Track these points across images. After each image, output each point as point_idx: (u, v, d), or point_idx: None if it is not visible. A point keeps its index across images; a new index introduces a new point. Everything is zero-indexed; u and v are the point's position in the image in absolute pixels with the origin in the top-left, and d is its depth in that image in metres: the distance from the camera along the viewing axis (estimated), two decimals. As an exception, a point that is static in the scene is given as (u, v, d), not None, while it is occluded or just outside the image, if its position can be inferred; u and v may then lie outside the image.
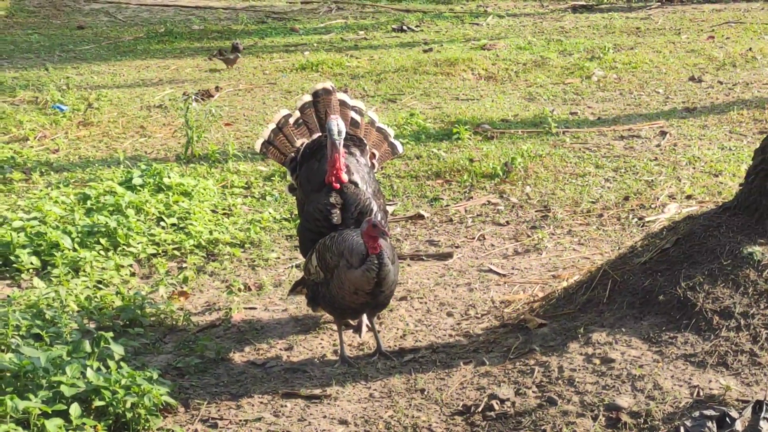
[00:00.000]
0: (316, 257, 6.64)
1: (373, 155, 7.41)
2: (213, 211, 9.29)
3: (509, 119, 11.94)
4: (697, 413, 5.53)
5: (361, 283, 6.37)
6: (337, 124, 6.76)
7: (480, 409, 5.91)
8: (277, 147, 7.37)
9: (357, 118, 7.45)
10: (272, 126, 7.41)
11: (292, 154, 7.29)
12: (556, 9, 18.87)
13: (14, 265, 8.16)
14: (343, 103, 7.42)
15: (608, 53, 14.67)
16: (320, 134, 7.25)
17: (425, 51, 15.51)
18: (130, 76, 14.71)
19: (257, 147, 7.45)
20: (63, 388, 5.75)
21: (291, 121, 7.37)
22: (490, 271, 8.05)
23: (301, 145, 7.29)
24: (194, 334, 7.19)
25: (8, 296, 7.58)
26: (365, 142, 7.29)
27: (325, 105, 7.36)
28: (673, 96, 12.71)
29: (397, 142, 7.68)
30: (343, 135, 6.78)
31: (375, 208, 6.83)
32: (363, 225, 6.35)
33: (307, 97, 7.43)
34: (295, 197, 7.52)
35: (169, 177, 9.62)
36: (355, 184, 6.83)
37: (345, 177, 6.79)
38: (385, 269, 6.35)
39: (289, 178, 7.44)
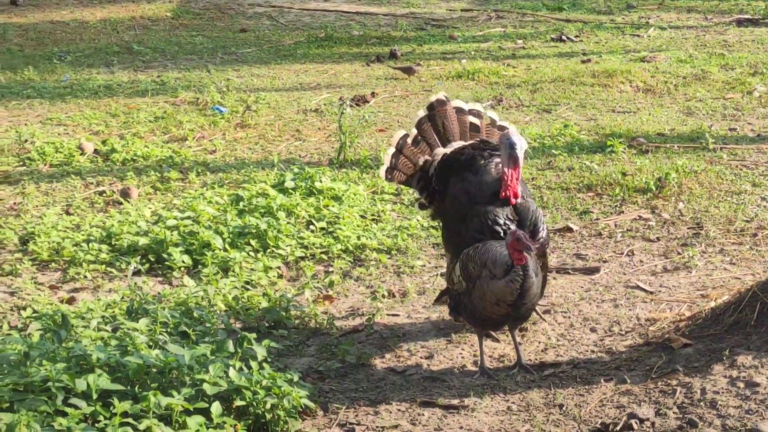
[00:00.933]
0: (460, 267, 6.64)
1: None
2: (362, 217, 9.36)
3: (665, 133, 11.76)
4: (842, 443, 5.39)
5: (503, 294, 6.35)
6: (519, 139, 6.71)
7: (618, 428, 5.85)
8: (400, 170, 7.36)
9: (476, 121, 7.41)
10: (392, 150, 7.39)
11: (419, 173, 7.29)
12: (720, 22, 18.52)
13: (167, 263, 8.36)
14: (459, 110, 7.40)
15: (772, 68, 14.38)
16: (446, 149, 7.22)
17: (583, 62, 15.37)
18: (289, 80, 14.92)
19: (382, 175, 7.46)
20: (205, 386, 5.86)
21: (409, 141, 7.35)
22: (637, 287, 7.94)
23: (425, 162, 7.27)
24: (337, 339, 7.27)
25: (159, 293, 7.76)
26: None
27: (441, 117, 7.34)
28: (837, 114, 12.39)
29: (508, 125, 7.59)
30: (524, 149, 6.72)
31: (542, 219, 6.81)
32: (508, 237, 6.33)
33: (422, 112, 7.41)
34: (428, 211, 7.49)
35: (321, 181, 9.73)
36: (522, 195, 6.79)
37: (520, 192, 6.74)
38: (529, 281, 6.33)
39: (417, 195, 7.44)
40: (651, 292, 7.85)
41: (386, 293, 7.96)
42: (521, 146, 6.68)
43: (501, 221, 6.65)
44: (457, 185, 7.02)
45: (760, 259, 8.37)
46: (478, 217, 6.71)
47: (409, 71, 14.70)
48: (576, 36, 17.54)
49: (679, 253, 8.57)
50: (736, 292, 7.17)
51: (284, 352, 7.03)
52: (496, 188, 6.74)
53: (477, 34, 18.13)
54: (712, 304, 7.22)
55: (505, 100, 13.36)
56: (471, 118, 7.41)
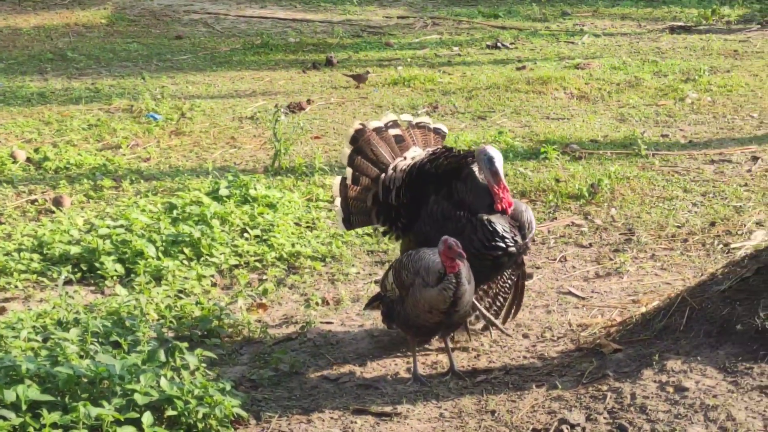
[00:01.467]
0: (393, 275, 6.65)
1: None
2: (297, 224, 9.35)
3: (598, 140, 11.86)
4: (769, 447, 5.46)
5: (436, 302, 6.36)
6: (495, 152, 6.78)
7: (549, 434, 5.89)
8: (356, 214, 7.37)
9: (398, 132, 7.41)
10: (338, 200, 7.37)
11: (375, 208, 7.30)
12: (654, 29, 18.68)
13: (99, 272, 8.31)
14: (379, 131, 7.38)
15: (703, 75, 14.48)
16: (392, 170, 7.24)
17: (518, 68, 15.45)
18: (224, 87, 14.87)
19: (341, 228, 7.55)
20: (137, 396, 5.84)
21: (349, 182, 7.32)
22: (570, 293, 8.00)
23: (374, 195, 7.27)
24: (270, 347, 7.26)
25: (91, 303, 7.71)
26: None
27: (366, 145, 7.32)
28: (767, 121, 12.52)
29: (440, 126, 7.68)
30: (501, 163, 6.78)
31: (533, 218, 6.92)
32: (440, 245, 6.35)
33: (347, 150, 7.35)
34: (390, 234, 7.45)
35: (256, 189, 9.71)
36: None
37: (512, 201, 6.82)
38: (461, 288, 6.35)
39: (381, 229, 7.45)
40: (583, 298, 7.92)
41: (320, 301, 7.96)
42: (498, 158, 6.75)
43: (508, 229, 6.73)
44: (448, 197, 7.00)
45: (691, 265, 8.45)
46: (483, 228, 6.71)
47: (359, 79, 14.67)
48: (511, 43, 17.62)
49: (611, 259, 8.64)
50: (666, 297, 7.25)
51: (217, 361, 6.99)
52: (490, 196, 6.79)
53: (413, 41, 18.17)
54: (643, 309, 7.30)
55: (441, 107, 13.40)
56: (393, 132, 7.41)
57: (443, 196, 6.96)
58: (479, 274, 6.68)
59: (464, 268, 6.38)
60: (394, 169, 7.22)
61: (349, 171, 7.33)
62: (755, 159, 10.98)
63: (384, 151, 7.33)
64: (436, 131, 7.59)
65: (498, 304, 7.37)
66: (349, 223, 7.39)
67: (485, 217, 6.71)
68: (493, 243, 6.68)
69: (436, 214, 6.96)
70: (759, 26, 18.61)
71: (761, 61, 15.68)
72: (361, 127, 7.38)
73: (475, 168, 6.91)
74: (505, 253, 6.71)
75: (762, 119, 12.59)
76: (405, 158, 7.28)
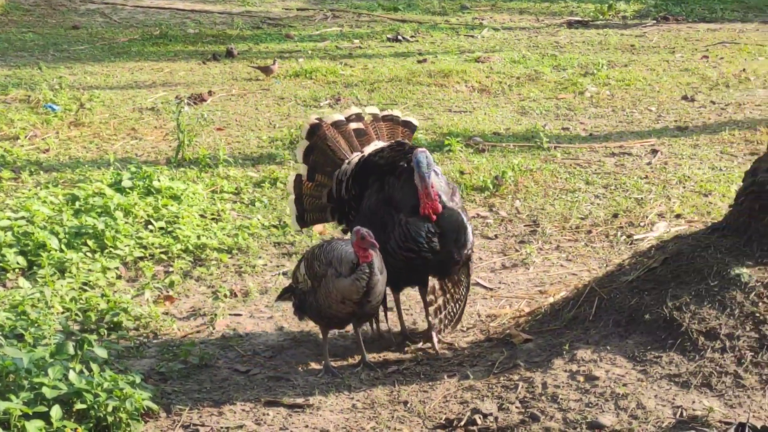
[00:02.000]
0: (305, 266, 6.61)
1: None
2: (201, 216, 9.26)
3: (501, 133, 11.94)
4: (679, 434, 5.54)
5: (349, 293, 6.35)
6: (426, 156, 6.59)
7: (462, 423, 5.90)
8: (311, 212, 7.27)
9: (360, 126, 7.26)
10: (292, 197, 7.26)
11: (329, 205, 7.21)
12: (552, 24, 18.87)
13: (0, 264, 8.13)
14: (338, 124, 7.23)
15: (602, 70, 14.67)
16: (347, 164, 7.10)
17: (419, 62, 15.49)
18: (123, 78, 14.69)
19: (294, 226, 7.39)
20: (45, 390, 5.72)
21: (305, 179, 7.21)
22: (477, 284, 8.04)
23: (329, 192, 7.16)
24: (179, 339, 7.18)
25: (-7, 295, 7.57)
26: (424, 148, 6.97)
27: (322, 140, 7.17)
28: (665, 114, 12.71)
29: (410, 119, 7.50)
30: (432, 167, 6.59)
31: (469, 227, 6.72)
32: (352, 235, 6.33)
33: (304, 144, 7.21)
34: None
35: (159, 180, 9.60)
36: (446, 206, 6.64)
37: (440, 206, 6.60)
38: (374, 278, 6.34)
39: (337, 225, 7.36)
40: (491, 289, 7.97)
41: (228, 293, 7.90)
42: (426, 162, 6.56)
43: (423, 234, 6.56)
44: (379, 191, 6.90)
45: (595, 256, 8.55)
46: (401, 228, 6.61)
47: (267, 71, 14.55)
48: (412, 36, 17.68)
49: (516, 250, 8.71)
50: (574, 288, 7.32)
51: (125, 354, 6.92)
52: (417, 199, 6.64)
53: (314, 33, 18.13)
54: (551, 299, 7.37)
55: (343, 99, 13.38)
56: (353, 126, 7.25)
57: (375, 189, 6.87)
58: (398, 274, 6.66)
59: (377, 258, 6.37)
60: (349, 162, 7.10)
61: (303, 167, 7.20)
62: (654, 152, 11.13)
63: (342, 146, 7.17)
64: (405, 124, 7.42)
65: (449, 309, 7.30)
66: (303, 220, 7.28)
67: (404, 218, 6.60)
68: (407, 244, 6.59)
69: (365, 208, 6.91)
70: (654, 21, 18.91)
71: (657, 56, 15.92)
72: (317, 121, 7.22)
73: None
74: (419, 256, 6.60)
75: (660, 113, 12.78)
76: (363, 153, 7.14)
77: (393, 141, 7.13)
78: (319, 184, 7.20)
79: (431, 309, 7.13)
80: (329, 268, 6.40)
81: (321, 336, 6.83)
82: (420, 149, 6.66)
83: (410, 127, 7.44)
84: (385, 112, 7.48)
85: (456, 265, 6.84)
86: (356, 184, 7.02)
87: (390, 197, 6.78)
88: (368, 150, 7.15)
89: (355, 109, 7.40)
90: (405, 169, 6.73)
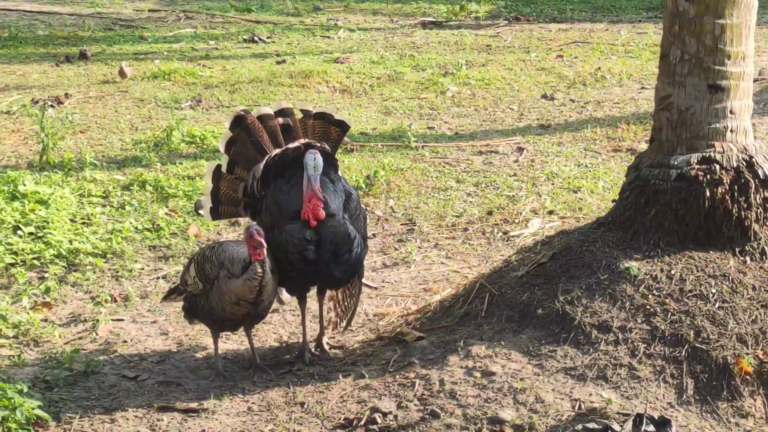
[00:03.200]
0: (195, 268, 6.49)
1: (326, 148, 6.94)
2: (72, 221, 9.03)
3: (368, 132, 11.93)
4: (579, 426, 5.61)
5: (243, 292, 6.26)
6: (314, 159, 6.43)
7: (362, 423, 5.88)
8: (226, 204, 7.03)
9: (287, 122, 7.02)
10: (210, 187, 7.00)
11: (243, 200, 6.98)
12: (406, 24, 18.95)
13: None
14: (264, 118, 7.00)
15: (461, 69, 14.76)
16: (269, 156, 6.86)
17: (279, 62, 15.39)
18: (-26, 81, 14.28)
19: (207, 217, 7.11)
20: (-73, 402, 5.53)
21: (224, 170, 6.98)
22: (362, 284, 8.00)
23: (245, 187, 6.95)
24: (61, 347, 6.99)
25: None
26: (328, 150, 6.88)
27: (248, 133, 6.96)
28: (527, 113, 12.87)
29: (343, 118, 7.24)
30: (320, 170, 6.43)
31: (354, 238, 6.55)
32: (244, 232, 6.24)
33: (225, 136, 7.02)
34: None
35: (24, 185, 9.33)
36: (332, 215, 6.48)
37: (322, 213, 6.44)
38: (266, 276, 6.26)
39: (248, 218, 7.09)
40: (375, 288, 7.95)
41: (108, 298, 7.72)
42: (316, 165, 6.42)
43: (295, 241, 6.44)
44: (271, 197, 6.76)
45: (474, 253, 8.61)
46: (284, 234, 6.47)
47: (121, 74, 14.23)
48: (268, 37, 17.56)
49: (396, 249, 8.71)
50: (461, 284, 7.35)
51: (6, 363, 6.71)
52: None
53: (168, 34, 17.87)
54: (438, 297, 7.38)
55: (205, 100, 13.23)
56: (281, 120, 7.02)
57: (272, 189, 6.77)
58: (286, 278, 6.59)
59: (268, 257, 6.29)
60: (267, 159, 6.90)
61: (225, 158, 6.98)
62: (520, 150, 11.25)
63: (264, 141, 6.95)
64: (338, 124, 7.14)
65: (341, 309, 7.23)
66: (216, 213, 7.03)
67: (283, 222, 6.51)
68: (282, 248, 6.48)
69: (263, 208, 6.81)
70: (507, 22, 19.14)
71: (513, 55, 16.11)
72: (242, 113, 7.00)
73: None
74: (302, 260, 6.47)
75: (522, 111, 12.93)
76: (286, 149, 6.90)
77: (304, 141, 6.91)
78: (237, 177, 7.00)
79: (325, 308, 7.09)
80: (221, 269, 6.30)
81: (211, 339, 6.73)
82: (312, 151, 6.53)
83: (342, 127, 7.16)
84: (318, 110, 7.22)
85: (337, 283, 6.77)
86: (264, 182, 6.84)
87: (277, 199, 6.70)
88: (292, 147, 6.90)
89: (284, 104, 7.18)
90: (295, 172, 6.62)
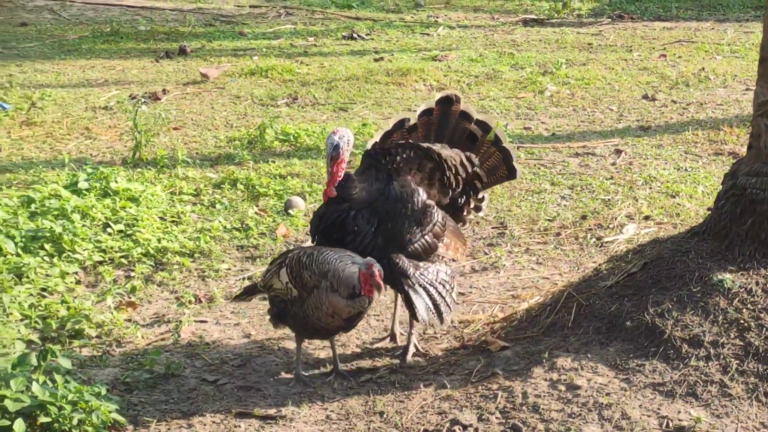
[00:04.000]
0: (288, 273, 6.31)
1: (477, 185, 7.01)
2: (161, 219, 9.02)
3: (463, 132, 11.75)
4: (666, 445, 5.41)
5: (341, 311, 6.12)
6: (339, 136, 6.43)
7: (442, 435, 5.74)
8: None
9: (478, 134, 7.06)
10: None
11: None
12: (507, 22, 18.75)
13: (-45, 270, 7.87)
14: (465, 116, 7.07)
15: (561, 68, 14.53)
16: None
17: (376, 60, 15.30)
18: (75, 76, 14.37)
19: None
20: (7, 402, 5.51)
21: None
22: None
23: None
24: (143, 348, 6.94)
25: (-52, 302, 7.30)
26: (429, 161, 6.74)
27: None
28: (627, 114, 12.61)
29: (517, 167, 7.17)
30: (342, 149, 6.39)
31: (360, 233, 6.45)
32: (363, 266, 6.09)
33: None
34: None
35: (116, 182, 9.33)
36: (342, 200, 6.43)
37: (334, 191, 6.43)
38: (368, 308, 6.17)
39: None
40: (462, 294, 7.78)
41: (192, 299, 7.67)
42: (340, 144, 6.37)
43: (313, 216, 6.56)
44: None
45: (565, 259, 8.41)
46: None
47: (204, 76, 14.18)
48: (367, 34, 17.48)
49: (485, 253, 8.54)
50: (549, 292, 7.17)
51: (87, 363, 6.69)
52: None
53: (267, 30, 17.88)
54: (525, 305, 7.20)
55: (301, 98, 13.18)
56: (474, 128, 7.09)
57: None
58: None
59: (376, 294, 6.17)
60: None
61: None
62: (618, 152, 11.01)
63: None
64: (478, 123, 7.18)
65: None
66: None
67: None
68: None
69: None
70: (610, 20, 18.84)
71: (615, 54, 15.83)
72: (453, 97, 7.12)
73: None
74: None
75: (621, 112, 12.68)
76: None
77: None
78: None
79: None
80: (323, 280, 6.12)
81: (296, 344, 6.60)
82: (336, 130, 6.55)
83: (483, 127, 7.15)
84: (503, 140, 7.15)
85: None
86: None
87: None
88: None
89: (485, 116, 7.23)
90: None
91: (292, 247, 6.73)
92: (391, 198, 6.51)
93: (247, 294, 6.95)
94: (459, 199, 6.94)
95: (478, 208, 7.12)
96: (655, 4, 20.13)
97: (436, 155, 6.69)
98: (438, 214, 6.62)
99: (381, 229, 6.45)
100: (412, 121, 7.05)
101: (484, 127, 7.08)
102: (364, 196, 6.47)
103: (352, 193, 6.46)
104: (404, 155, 6.63)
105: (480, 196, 7.08)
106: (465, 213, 7.05)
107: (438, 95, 7.13)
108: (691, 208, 9.29)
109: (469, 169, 6.87)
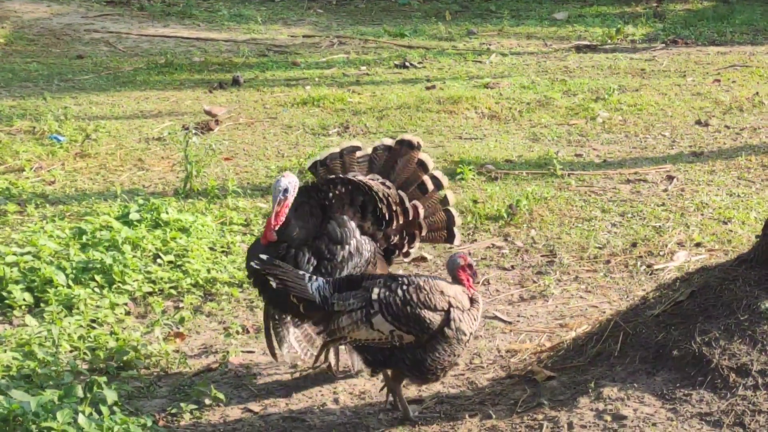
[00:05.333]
0: (391, 318, 5.94)
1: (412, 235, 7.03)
2: (211, 249, 9.07)
3: (513, 160, 11.75)
4: (713, 476, 5.34)
5: (470, 326, 6.07)
6: (290, 182, 6.44)
7: (487, 466, 5.71)
8: None
9: (430, 187, 7.07)
10: None
11: None
12: (560, 48, 18.69)
13: (6, 302, 7.94)
14: (422, 165, 7.10)
15: (613, 94, 14.47)
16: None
17: (428, 88, 15.32)
18: (129, 108, 14.51)
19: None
20: (53, 434, 5.55)
21: None
22: (495, 317, 7.84)
23: None
24: (190, 378, 6.98)
25: (-1, 334, 7.38)
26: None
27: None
28: (679, 139, 12.53)
29: (458, 233, 7.21)
30: (290, 193, 6.42)
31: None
32: (458, 260, 6.13)
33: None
34: None
35: (167, 212, 9.40)
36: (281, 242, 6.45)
37: (274, 236, 6.43)
38: None
39: None
40: (509, 322, 7.76)
41: (240, 329, 7.70)
42: (288, 188, 6.42)
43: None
44: None
45: (615, 287, 8.35)
46: None
47: (209, 114, 14.04)
48: (419, 62, 17.50)
49: (534, 281, 8.51)
50: (596, 321, 7.12)
51: (135, 394, 6.72)
52: None
53: (320, 60, 17.96)
54: (573, 334, 7.16)
55: (352, 127, 13.21)
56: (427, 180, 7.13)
57: None
58: None
59: None
60: None
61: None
62: (670, 178, 10.95)
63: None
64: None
65: None
66: None
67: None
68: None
69: None
70: (663, 45, 18.73)
71: (668, 80, 15.74)
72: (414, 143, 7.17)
73: None
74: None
75: (674, 138, 12.60)
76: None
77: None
78: None
79: None
80: (452, 308, 6.00)
81: (395, 388, 6.33)
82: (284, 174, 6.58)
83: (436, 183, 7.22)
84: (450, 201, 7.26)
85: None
86: None
87: None
88: None
89: (441, 175, 7.26)
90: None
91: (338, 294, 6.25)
92: (332, 239, 6.56)
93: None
94: (392, 237, 6.92)
95: (407, 254, 7.12)
96: (709, 29, 19.99)
97: (366, 188, 6.76)
98: (370, 251, 6.71)
99: (319, 268, 6.50)
100: (364, 152, 7.07)
101: (437, 183, 7.09)
102: (303, 235, 6.51)
103: (293, 234, 6.48)
104: (336, 191, 6.70)
105: (414, 245, 7.09)
106: (395, 254, 7.04)
107: (402, 136, 7.11)
108: (743, 235, 9.20)
109: (397, 207, 6.88)
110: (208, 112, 13.89)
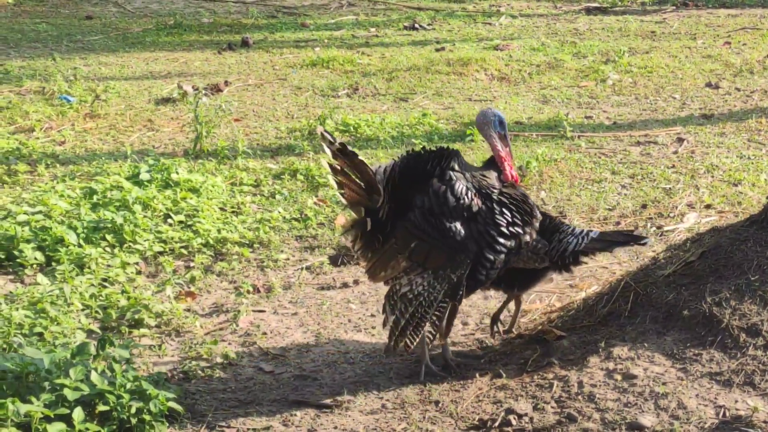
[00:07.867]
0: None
1: None
2: (221, 209, 9.08)
3: (523, 122, 11.73)
4: (723, 435, 5.36)
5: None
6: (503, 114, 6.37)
7: (497, 424, 5.72)
8: None
9: None
10: None
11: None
12: (570, 10, 18.65)
13: (18, 260, 7.95)
14: None
15: (623, 57, 14.44)
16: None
17: (437, 50, 15.29)
18: (138, 68, 14.50)
19: None
20: (66, 391, 5.56)
21: None
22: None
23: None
24: (201, 337, 7.00)
25: (11, 292, 7.39)
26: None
27: None
28: (689, 102, 12.50)
29: None
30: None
31: None
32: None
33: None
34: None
35: (177, 173, 9.41)
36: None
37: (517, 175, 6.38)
38: None
39: None
40: (520, 283, 7.75)
41: (251, 288, 7.71)
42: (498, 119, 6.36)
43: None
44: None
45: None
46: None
47: (180, 87, 13.77)
48: (429, 24, 17.47)
49: (544, 243, 8.50)
50: (606, 282, 7.12)
51: (146, 353, 6.74)
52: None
53: (329, 21, 17.93)
54: (583, 294, 7.17)
55: (361, 88, 13.20)
56: None
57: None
58: None
59: None
60: None
61: None
62: (680, 140, 10.93)
63: None
64: None
65: None
66: None
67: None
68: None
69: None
70: (674, 7, 18.68)
71: (678, 43, 15.69)
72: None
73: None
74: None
75: (684, 100, 12.57)
76: None
77: None
78: None
79: None
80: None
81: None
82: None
83: None
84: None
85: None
86: None
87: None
88: None
89: None
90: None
91: None
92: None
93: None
94: None
95: None
96: (720, -9, 19.94)
97: None
98: None
99: None
100: None
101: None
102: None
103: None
104: None
105: None
106: None
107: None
108: (754, 197, 9.19)
109: None
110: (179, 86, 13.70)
